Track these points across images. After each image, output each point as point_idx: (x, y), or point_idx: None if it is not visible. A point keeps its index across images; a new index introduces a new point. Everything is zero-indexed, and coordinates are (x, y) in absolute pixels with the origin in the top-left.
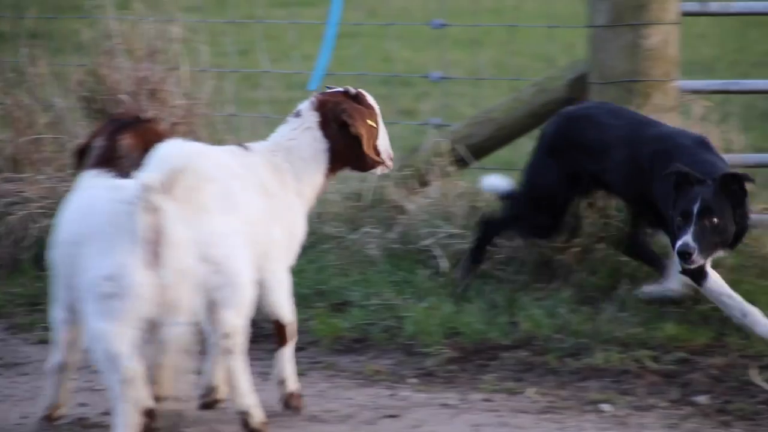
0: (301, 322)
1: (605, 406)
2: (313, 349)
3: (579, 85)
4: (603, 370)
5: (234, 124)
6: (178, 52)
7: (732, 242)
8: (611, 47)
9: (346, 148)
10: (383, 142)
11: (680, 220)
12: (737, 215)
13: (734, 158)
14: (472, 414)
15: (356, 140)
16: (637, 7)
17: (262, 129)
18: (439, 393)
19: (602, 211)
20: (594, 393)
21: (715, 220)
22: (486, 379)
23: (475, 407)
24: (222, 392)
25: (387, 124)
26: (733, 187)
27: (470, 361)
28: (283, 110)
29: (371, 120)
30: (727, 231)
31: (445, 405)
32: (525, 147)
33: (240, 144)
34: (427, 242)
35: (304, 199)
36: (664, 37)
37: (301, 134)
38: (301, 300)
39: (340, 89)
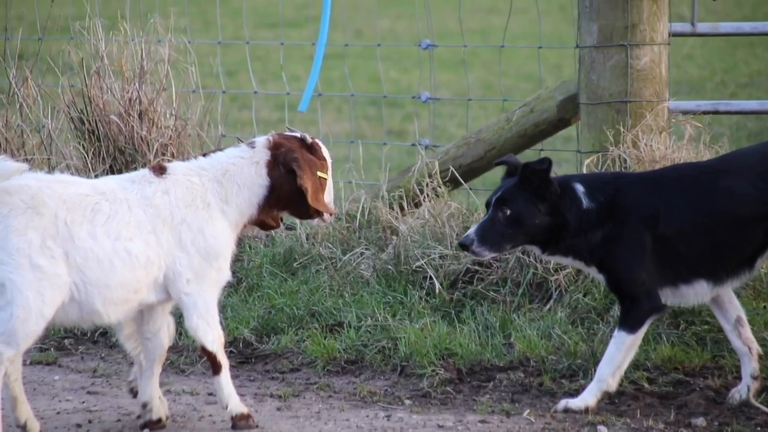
0: (296, 343)
1: (602, 428)
2: (308, 370)
3: (569, 106)
4: None
5: (224, 145)
6: (167, 73)
7: (558, 238)
8: (601, 68)
9: (287, 194)
10: (329, 196)
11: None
12: (545, 208)
13: None
14: None
15: (300, 190)
16: (626, 27)
17: None
18: (435, 414)
19: None
20: (591, 415)
21: (508, 211)
22: (482, 400)
23: (471, 429)
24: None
25: (377, 144)
26: (531, 179)
27: (465, 382)
28: (271, 130)
29: (321, 172)
30: (524, 223)
31: (441, 427)
32: None
33: (160, 166)
34: (420, 263)
35: (230, 221)
36: (654, 58)
37: (246, 164)
38: (295, 321)
39: (297, 134)
